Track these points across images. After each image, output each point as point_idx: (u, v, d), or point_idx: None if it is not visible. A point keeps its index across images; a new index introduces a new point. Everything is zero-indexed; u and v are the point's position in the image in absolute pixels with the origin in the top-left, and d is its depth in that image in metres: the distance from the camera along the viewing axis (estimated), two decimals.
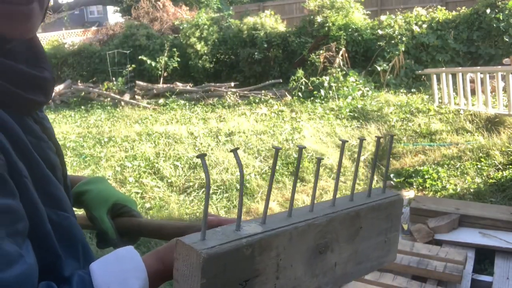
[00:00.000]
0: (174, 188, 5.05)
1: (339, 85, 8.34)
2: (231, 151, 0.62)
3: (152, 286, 0.71)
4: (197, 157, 0.59)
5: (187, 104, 9.13)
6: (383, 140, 6.06)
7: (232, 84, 9.58)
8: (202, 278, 0.56)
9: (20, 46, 0.76)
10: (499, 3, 9.09)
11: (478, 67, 7.80)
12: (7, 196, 0.65)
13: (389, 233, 0.82)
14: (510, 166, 4.74)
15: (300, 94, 8.54)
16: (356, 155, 5.67)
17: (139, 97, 9.96)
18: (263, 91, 8.95)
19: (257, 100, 8.69)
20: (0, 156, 0.65)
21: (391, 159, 5.54)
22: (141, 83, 10.23)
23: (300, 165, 5.36)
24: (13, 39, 0.72)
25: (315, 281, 0.70)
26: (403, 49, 9.05)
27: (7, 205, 0.64)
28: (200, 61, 10.91)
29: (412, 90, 8.37)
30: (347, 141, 0.79)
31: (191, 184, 5.03)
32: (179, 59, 10.99)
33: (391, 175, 5.06)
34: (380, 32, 9.52)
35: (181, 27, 11.73)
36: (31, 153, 0.73)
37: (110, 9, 24.59)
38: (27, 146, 0.73)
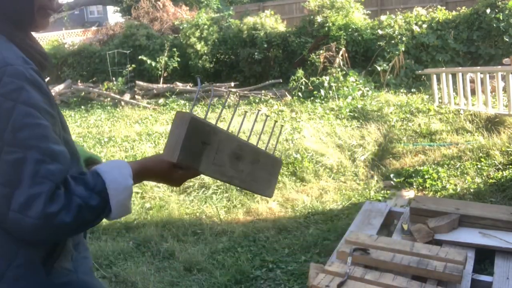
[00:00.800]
0: (174, 188, 5.05)
1: (339, 85, 8.33)
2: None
3: (135, 179, 1.12)
4: (196, 77, 0.82)
5: (187, 104, 9.12)
6: (384, 140, 6.06)
7: (232, 84, 9.58)
8: (188, 127, 1.12)
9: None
10: (499, 3, 9.08)
11: (478, 67, 7.80)
12: (52, 108, 1.03)
13: (271, 175, 1.46)
14: (510, 166, 4.74)
15: (300, 94, 8.54)
16: (356, 155, 5.67)
17: (139, 97, 9.96)
18: (263, 91, 8.95)
19: (257, 100, 8.69)
20: (43, 83, 1.02)
21: (391, 159, 5.54)
22: (141, 83, 10.22)
23: (300, 165, 5.37)
24: (25, 29, 1.11)
25: (231, 171, 1.28)
26: (403, 49, 9.04)
27: (51, 112, 1.02)
28: (200, 61, 10.90)
29: (412, 90, 8.36)
30: (266, 114, 1.14)
31: (191, 184, 5.02)
32: (179, 59, 10.98)
33: (391, 175, 5.05)
34: (380, 32, 9.51)
35: (181, 27, 11.72)
36: (54, 100, 1.08)
37: (110, 9, 24.57)
38: (51, 95, 1.06)
